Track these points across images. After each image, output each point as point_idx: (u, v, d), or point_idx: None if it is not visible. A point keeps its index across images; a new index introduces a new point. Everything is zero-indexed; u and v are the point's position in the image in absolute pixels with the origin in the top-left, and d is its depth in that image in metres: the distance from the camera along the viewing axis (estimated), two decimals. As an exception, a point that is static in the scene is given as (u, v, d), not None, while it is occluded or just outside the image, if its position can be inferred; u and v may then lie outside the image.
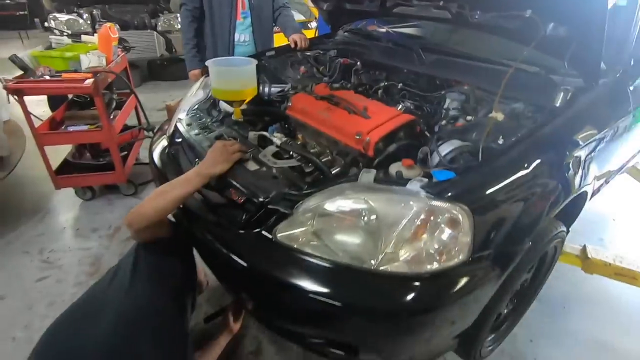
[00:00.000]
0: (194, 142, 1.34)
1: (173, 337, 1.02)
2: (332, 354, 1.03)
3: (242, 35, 2.28)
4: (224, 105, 1.61)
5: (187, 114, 1.56)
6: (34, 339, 1.50)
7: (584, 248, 1.68)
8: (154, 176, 1.64)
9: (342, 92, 1.46)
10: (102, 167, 2.38)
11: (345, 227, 0.95)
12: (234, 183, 1.10)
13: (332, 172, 1.15)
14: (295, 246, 0.96)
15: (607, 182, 1.62)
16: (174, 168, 1.46)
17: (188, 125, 1.46)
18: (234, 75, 1.32)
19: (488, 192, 0.96)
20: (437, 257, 0.91)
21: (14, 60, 2.03)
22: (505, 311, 1.40)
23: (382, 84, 1.69)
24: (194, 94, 1.67)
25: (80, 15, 4.45)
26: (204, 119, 1.50)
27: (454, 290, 0.89)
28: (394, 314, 0.87)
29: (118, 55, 2.54)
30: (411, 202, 0.91)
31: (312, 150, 1.28)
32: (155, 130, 2.61)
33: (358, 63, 1.82)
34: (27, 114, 2.02)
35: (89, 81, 2.00)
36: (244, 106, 1.49)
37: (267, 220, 1.02)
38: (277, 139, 1.28)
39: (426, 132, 1.26)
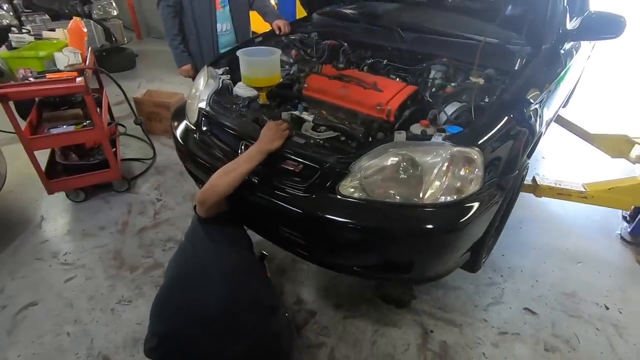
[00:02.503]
0: (233, 126, 1.51)
1: (260, 275, 1.31)
2: (387, 276, 1.34)
3: (224, 24, 2.37)
4: (238, 91, 1.77)
5: (208, 103, 1.69)
6: (89, 330, 1.63)
7: (534, 178, 2.18)
8: (183, 160, 1.77)
9: (350, 71, 1.71)
10: (94, 167, 2.37)
11: (394, 176, 1.24)
12: (292, 154, 1.32)
13: (362, 137, 1.42)
14: (357, 196, 1.23)
15: (549, 123, 2.11)
16: (205, 151, 1.62)
17: (219, 112, 1.60)
18: (263, 65, 1.50)
19: (489, 137, 1.30)
20: (462, 188, 1.24)
21: (-12, 64, 1.93)
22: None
23: (369, 61, 1.96)
24: (207, 85, 1.79)
25: (0, 7, 3.98)
26: (229, 106, 1.65)
27: (476, 209, 1.23)
28: (441, 230, 1.20)
29: (88, 50, 2.46)
30: (440, 150, 1.23)
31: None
32: (141, 123, 2.64)
33: (345, 44, 2.05)
34: (15, 120, 1.95)
35: (80, 79, 1.98)
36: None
37: (328, 180, 1.27)
38: (308, 116, 1.50)
39: (429, 99, 1.57)
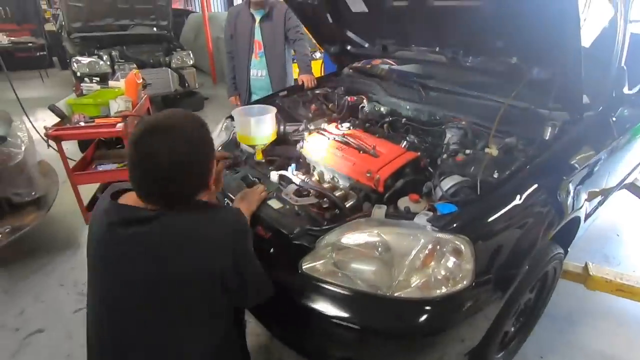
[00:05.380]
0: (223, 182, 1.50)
1: None
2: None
3: (260, 71, 2.72)
4: (245, 146, 1.79)
5: (212, 156, 1.73)
6: (77, 368, 1.65)
7: (586, 266, 1.77)
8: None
9: (353, 132, 1.62)
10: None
11: (361, 258, 1.09)
12: (264, 219, 1.25)
13: (347, 207, 1.30)
14: (318, 276, 1.09)
15: (601, 203, 1.74)
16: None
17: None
18: (256, 124, 1.50)
19: (487, 222, 1.09)
20: (444, 283, 1.03)
21: (53, 109, 2.26)
22: (513, 329, 1.49)
23: (388, 119, 1.86)
24: (218, 136, 1.84)
25: (100, 57, 4.77)
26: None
27: (460, 312, 1.01)
28: (408, 334, 1.00)
29: (142, 98, 2.77)
30: (419, 235, 1.05)
31: (326, 186, 1.44)
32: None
33: (364, 100, 1.99)
34: (64, 157, 2.22)
35: (120, 125, 2.21)
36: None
37: (290, 253, 1.16)
38: (296, 177, 1.44)
39: (429, 167, 1.41)
